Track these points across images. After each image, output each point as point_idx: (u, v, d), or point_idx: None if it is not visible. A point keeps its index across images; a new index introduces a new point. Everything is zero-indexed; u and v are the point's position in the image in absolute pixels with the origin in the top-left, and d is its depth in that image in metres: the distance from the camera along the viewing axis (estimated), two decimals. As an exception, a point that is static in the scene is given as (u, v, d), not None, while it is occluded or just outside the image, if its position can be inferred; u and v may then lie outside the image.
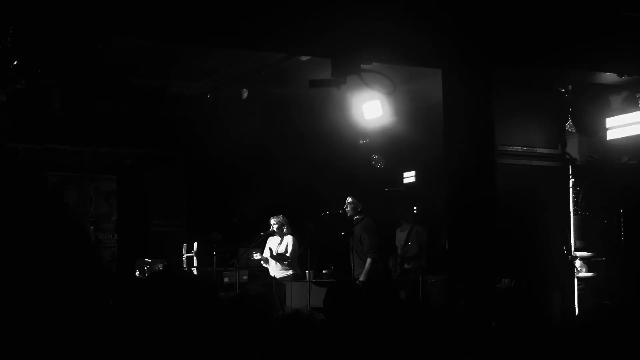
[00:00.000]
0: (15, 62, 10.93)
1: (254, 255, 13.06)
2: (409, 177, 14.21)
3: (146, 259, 12.45)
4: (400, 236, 13.06)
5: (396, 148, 13.82)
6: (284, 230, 12.92)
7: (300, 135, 14.43)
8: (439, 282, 12.06)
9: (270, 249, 12.85)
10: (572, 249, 11.09)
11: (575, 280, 10.94)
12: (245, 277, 13.14)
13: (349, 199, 12.59)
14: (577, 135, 11.18)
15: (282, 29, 9.01)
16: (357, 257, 12.36)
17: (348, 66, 9.53)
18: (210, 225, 14.48)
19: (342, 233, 12.47)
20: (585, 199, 11.16)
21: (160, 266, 12.31)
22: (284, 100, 13.52)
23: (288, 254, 12.80)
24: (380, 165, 14.14)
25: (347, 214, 12.56)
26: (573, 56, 9.87)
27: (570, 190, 11.16)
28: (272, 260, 12.89)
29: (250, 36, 9.11)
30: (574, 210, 11.16)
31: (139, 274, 12.28)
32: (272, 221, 12.95)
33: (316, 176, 14.43)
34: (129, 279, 12.13)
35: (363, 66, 9.63)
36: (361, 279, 12.04)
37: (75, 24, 8.50)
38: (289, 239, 12.89)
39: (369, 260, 12.23)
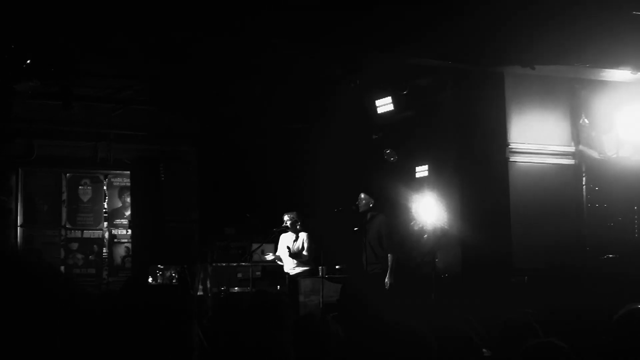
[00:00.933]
0: (28, 61, 10.98)
1: (267, 256, 13.04)
2: (422, 171, 14.13)
3: (159, 265, 12.43)
4: (414, 231, 13.03)
5: (410, 142, 13.78)
6: (298, 226, 12.90)
7: (312, 130, 14.42)
8: (453, 276, 12.09)
9: (288, 248, 12.82)
10: (586, 246, 11.06)
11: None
12: (258, 273, 13.12)
13: (362, 195, 12.58)
14: (591, 132, 11.12)
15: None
16: (371, 253, 12.32)
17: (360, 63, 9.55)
18: (224, 221, 14.50)
19: (355, 229, 12.43)
20: (599, 195, 11.11)
21: (174, 272, 12.28)
22: (296, 95, 13.49)
23: (305, 252, 12.79)
24: (393, 160, 14.10)
25: (359, 209, 12.54)
26: (586, 54, 9.83)
27: (584, 187, 11.12)
28: (286, 256, 12.89)
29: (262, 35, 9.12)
30: (587, 207, 11.12)
31: (152, 280, 12.26)
32: (286, 217, 12.93)
33: (328, 172, 14.40)
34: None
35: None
36: (387, 280, 12.06)
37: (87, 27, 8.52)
38: (303, 236, 12.88)
39: (391, 257, 12.22)
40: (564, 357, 4.25)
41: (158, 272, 12.29)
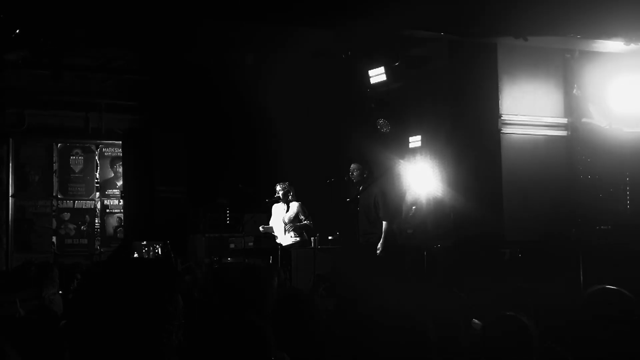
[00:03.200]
0: (17, 31, 10.90)
1: (260, 227, 12.98)
2: (415, 141, 14.10)
3: (143, 242, 12.39)
4: (408, 200, 13.03)
5: (403, 112, 13.73)
6: (290, 197, 12.86)
7: (305, 101, 14.35)
8: (444, 248, 12.10)
9: (291, 222, 12.76)
10: (577, 217, 11.05)
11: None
12: (251, 244, 13.08)
13: (354, 165, 12.52)
14: (584, 103, 11.08)
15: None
16: (366, 222, 12.29)
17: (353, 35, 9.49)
18: (216, 191, 14.45)
19: (347, 200, 12.37)
20: (591, 167, 11.10)
21: (158, 248, 12.24)
22: (288, 65, 13.42)
23: (306, 222, 12.75)
24: (386, 130, 14.05)
25: (352, 180, 12.49)
26: (579, 25, 9.76)
27: (576, 158, 11.10)
28: (279, 227, 12.86)
29: (253, 8, 9.05)
30: (580, 179, 11.11)
31: (137, 256, 12.24)
32: (278, 188, 12.86)
33: (322, 142, 14.37)
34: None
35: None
36: (379, 246, 12.02)
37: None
38: (294, 206, 12.84)
39: (385, 224, 12.20)
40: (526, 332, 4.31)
41: (143, 249, 12.27)
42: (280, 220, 12.87)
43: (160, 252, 12.14)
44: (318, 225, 12.86)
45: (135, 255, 12.13)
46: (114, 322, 2.65)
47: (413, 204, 12.80)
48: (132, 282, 2.75)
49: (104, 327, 2.64)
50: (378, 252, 11.97)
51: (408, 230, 12.64)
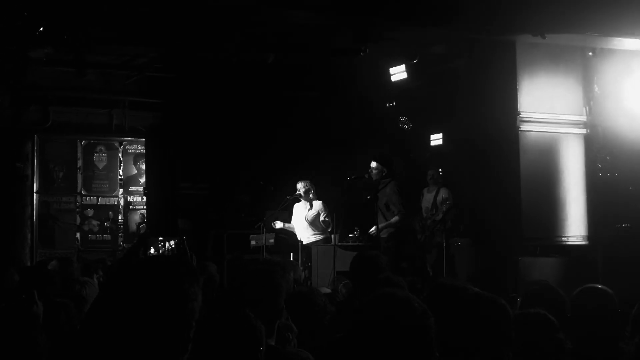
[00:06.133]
0: (41, 29, 11.00)
1: (275, 224, 13.03)
2: (436, 139, 14.11)
3: (159, 238, 12.48)
4: (427, 198, 13.05)
5: (423, 110, 13.75)
6: (311, 195, 12.91)
7: (326, 98, 14.40)
8: (464, 245, 12.11)
9: (313, 221, 12.82)
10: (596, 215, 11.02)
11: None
12: (271, 241, 13.12)
13: (374, 164, 12.55)
14: (603, 101, 11.03)
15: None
16: (382, 219, 12.36)
17: (370, 34, 9.52)
18: (237, 188, 14.52)
19: (368, 197, 12.41)
20: (610, 165, 11.06)
21: (172, 244, 12.34)
22: (308, 62, 13.46)
23: (327, 218, 12.79)
24: (407, 128, 14.08)
25: (372, 178, 12.53)
26: (598, 23, 9.74)
27: (596, 156, 11.06)
28: (301, 225, 12.91)
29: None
30: (599, 177, 11.07)
31: (154, 251, 12.34)
32: (299, 186, 12.91)
33: (342, 139, 14.41)
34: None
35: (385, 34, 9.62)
36: (373, 229, 12.05)
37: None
38: (318, 204, 12.87)
39: (395, 218, 12.28)
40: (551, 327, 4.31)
41: (159, 244, 12.38)
42: (302, 218, 12.92)
43: (175, 248, 12.23)
44: (338, 222, 12.89)
45: (152, 250, 12.22)
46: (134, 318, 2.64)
47: (432, 202, 12.84)
48: (151, 279, 2.75)
49: (127, 323, 2.64)
50: (371, 231, 12.03)
51: (430, 228, 12.68)
